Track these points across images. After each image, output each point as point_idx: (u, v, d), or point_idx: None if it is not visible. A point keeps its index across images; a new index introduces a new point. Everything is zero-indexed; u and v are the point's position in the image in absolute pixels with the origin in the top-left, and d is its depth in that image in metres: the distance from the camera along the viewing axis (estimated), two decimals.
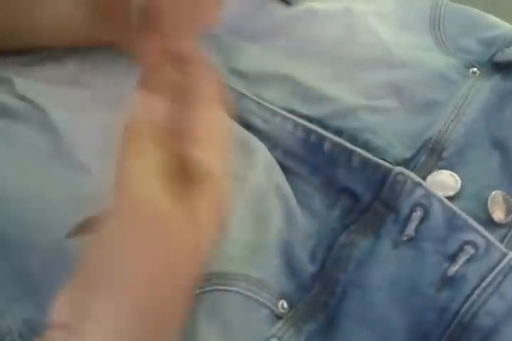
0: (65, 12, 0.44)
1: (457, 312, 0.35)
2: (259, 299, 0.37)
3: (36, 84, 0.46)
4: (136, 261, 0.28)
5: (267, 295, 0.37)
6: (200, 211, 0.29)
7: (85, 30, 0.45)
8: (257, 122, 0.44)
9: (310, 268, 0.39)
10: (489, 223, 0.39)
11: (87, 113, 0.44)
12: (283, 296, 0.37)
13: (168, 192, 0.29)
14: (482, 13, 0.52)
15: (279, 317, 0.37)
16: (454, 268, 0.36)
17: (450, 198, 0.40)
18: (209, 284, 0.37)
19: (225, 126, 0.33)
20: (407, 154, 0.43)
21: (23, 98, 0.45)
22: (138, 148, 0.30)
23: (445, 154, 0.43)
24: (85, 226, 0.33)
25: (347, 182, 0.41)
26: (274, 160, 0.42)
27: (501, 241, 0.39)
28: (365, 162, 0.41)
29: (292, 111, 0.44)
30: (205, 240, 0.30)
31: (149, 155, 0.30)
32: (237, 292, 0.37)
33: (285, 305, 0.37)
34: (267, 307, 0.37)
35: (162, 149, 0.30)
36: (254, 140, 0.43)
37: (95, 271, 0.29)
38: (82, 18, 0.44)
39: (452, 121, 0.44)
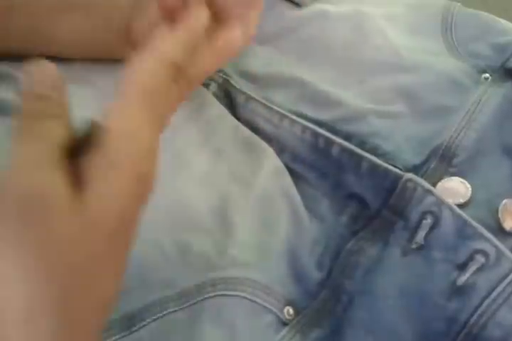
0: (82, 29, 0.44)
1: (466, 322, 0.35)
2: (266, 305, 0.36)
3: None
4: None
5: (274, 301, 0.37)
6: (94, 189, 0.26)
7: (102, 46, 0.45)
8: (265, 126, 0.43)
9: (317, 275, 0.38)
10: (499, 232, 0.38)
11: (91, 112, 0.44)
12: (289, 302, 0.37)
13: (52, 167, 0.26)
14: (495, 18, 0.51)
15: (284, 324, 0.37)
16: (463, 278, 0.35)
17: (460, 206, 0.39)
18: (214, 289, 0.36)
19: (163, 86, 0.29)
20: (417, 160, 0.42)
21: None
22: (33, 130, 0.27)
23: (456, 161, 0.42)
24: None
25: (355, 188, 0.41)
26: (282, 164, 0.42)
27: None
28: (374, 168, 0.40)
29: (301, 115, 0.44)
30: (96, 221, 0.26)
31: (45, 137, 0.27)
32: (243, 297, 0.36)
33: (291, 311, 0.37)
34: (273, 313, 0.36)
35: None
36: (262, 143, 0.42)
37: None
38: (98, 36, 0.44)
39: (463, 127, 0.43)
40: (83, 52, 0.46)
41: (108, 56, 0.46)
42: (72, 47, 0.46)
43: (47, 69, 0.29)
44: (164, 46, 0.29)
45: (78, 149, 0.27)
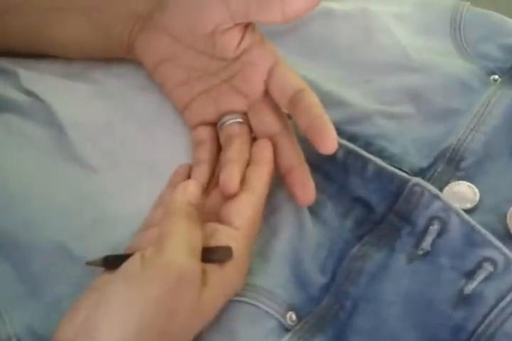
0: (81, 32, 0.44)
1: (473, 332, 0.34)
2: (268, 310, 0.36)
3: (42, 78, 0.45)
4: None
5: (276, 306, 0.36)
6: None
7: (101, 49, 0.45)
8: None
9: (320, 280, 0.38)
10: (508, 238, 0.38)
11: (92, 109, 0.44)
12: (292, 308, 0.36)
13: (197, 256, 0.33)
14: (504, 18, 0.50)
15: (287, 330, 0.36)
16: (471, 286, 0.35)
17: (467, 211, 0.39)
18: None
19: (259, 212, 0.37)
20: (424, 163, 0.41)
21: (27, 92, 0.44)
22: (185, 222, 0.34)
23: (463, 164, 0.42)
24: (109, 263, 0.35)
25: (360, 192, 0.40)
26: None
27: None
28: (380, 171, 0.40)
29: None
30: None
31: (195, 231, 0.34)
32: (245, 302, 0.36)
33: (293, 317, 0.36)
34: (275, 318, 0.36)
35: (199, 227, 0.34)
36: None
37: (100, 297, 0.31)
38: (98, 40, 0.44)
39: (472, 130, 0.43)
40: (82, 54, 0.46)
41: (107, 57, 0.46)
42: (71, 49, 0.45)
43: (193, 183, 0.36)
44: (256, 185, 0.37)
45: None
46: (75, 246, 0.37)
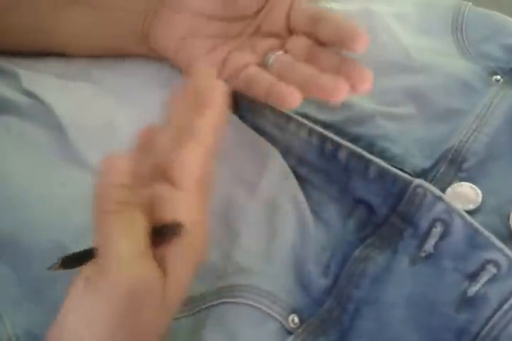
0: (86, 25, 0.44)
1: (477, 334, 0.34)
2: (270, 312, 0.36)
3: (42, 79, 0.45)
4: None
5: (278, 308, 0.36)
6: (171, 264, 0.31)
7: (106, 42, 0.45)
8: (271, 128, 0.42)
9: (322, 282, 0.37)
10: (510, 239, 0.37)
11: (92, 109, 0.44)
12: (294, 310, 0.36)
13: (146, 256, 0.30)
14: (507, 18, 0.50)
15: (289, 333, 0.36)
16: (474, 289, 0.35)
17: (470, 212, 0.38)
18: (219, 297, 0.36)
19: (207, 165, 0.34)
20: (426, 164, 0.41)
21: (28, 93, 0.44)
22: (119, 220, 0.30)
23: (466, 165, 0.41)
24: (70, 263, 0.33)
25: (363, 193, 0.40)
26: (288, 167, 0.41)
27: None
28: (382, 172, 0.39)
29: (307, 116, 0.43)
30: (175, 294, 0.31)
31: (135, 223, 0.30)
32: (247, 304, 0.36)
33: (296, 319, 0.36)
34: (278, 321, 0.36)
35: (137, 211, 0.31)
36: (268, 146, 0.42)
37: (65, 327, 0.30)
38: (102, 31, 0.44)
39: (474, 130, 0.43)
40: (86, 49, 0.46)
41: (112, 52, 0.45)
42: (75, 44, 0.45)
43: (120, 160, 0.31)
44: (203, 136, 0.34)
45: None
46: (75, 248, 0.37)
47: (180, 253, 0.31)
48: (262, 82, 0.40)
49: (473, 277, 0.35)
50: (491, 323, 0.34)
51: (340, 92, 0.37)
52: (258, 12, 0.43)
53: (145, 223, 0.30)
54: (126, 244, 0.29)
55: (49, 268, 0.33)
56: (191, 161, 0.32)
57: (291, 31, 0.43)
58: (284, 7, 0.42)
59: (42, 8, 0.44)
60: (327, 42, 0.40)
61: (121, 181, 0.31)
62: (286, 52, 0.42)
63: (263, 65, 0.42)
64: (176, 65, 0.44)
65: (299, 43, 0.41)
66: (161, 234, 0.31)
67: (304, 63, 0.40)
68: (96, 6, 0.43)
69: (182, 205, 0.32)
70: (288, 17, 0.42)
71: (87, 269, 0.30)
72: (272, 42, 0.43)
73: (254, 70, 0.41)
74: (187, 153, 0.32)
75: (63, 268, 0.32)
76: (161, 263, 0.30)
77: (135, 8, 0.43)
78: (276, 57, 0.42)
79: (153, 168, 0.33)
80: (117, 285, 0.29)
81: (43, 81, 0.45)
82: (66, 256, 0.32)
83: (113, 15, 0.44)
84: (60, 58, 0.47)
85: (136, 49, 0.45)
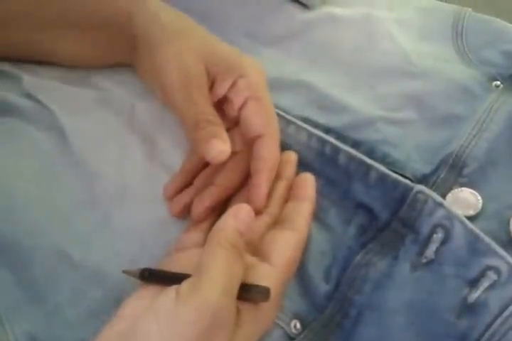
0: (84, 43, 0.45)
1: (477, 340, 0.34)
2: None
3: (45, 83, 0.45)
4: None
5: (281, 314, 0.36)
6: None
7: (104, 58, 0.46)
8: None
9: (324, 287, 0.38)
10: (510, 245, 0.38)
11: (94, 114, 0.44)
12: (296, 316, 0.36)
13: (233, 297, 0.32)
14: (506, 24, 0.50)
15: (291, 338, 0.36)
16: (474, 295, 0.35)
17: (470, 218, 0.39)
18: None
19: (300, 251, 0.37)
20: (427, 169, 0.41)
21: (31, 97, 0.44)
22: (228, 257, 0.32)
23: (466, 171, 0.42)
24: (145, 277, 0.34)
25: (364, 198, 0.40)
26: None
27: None
28: (383, 178, 0.39)
29: (307, 120, 0.43)
30: None
31: (236, 266, 0.32)
32: None
33: (298, 325, 0.36)
34: (280, 327, 0.36)
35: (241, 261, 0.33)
36: None
37: None
38: (100, 49, 0.45)
39: (474, 136, 0.43)
40: (83, 65, 0.46)
41: (111, 64, 0.45)
42: (73, 59, 0.45)
43: (248, 212, 0.34)
44: (300, 226, 0.38)
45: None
46: (76, 252, 0.37)
47: (254, 316, 0.33)
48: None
49: (473, 283, 0.35)
50: (491, 329, 0.34)
51: None
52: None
53: (243, 272, 0.33)
54: (225, 277, 0.31)
55: (125, 272, 0.35)
56: (287, 244, 0.36)
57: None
58: (238, 102, 0.41)
59: (38, 24, 0.44)
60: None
61: (241, 229, 0.33)
62: None
63: None
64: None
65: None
66: (248, 292, 0.32)
67: None
68: (84, 27, 0.44)
69: (266, 276, 0.34)
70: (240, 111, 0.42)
71: (177, 287, 0.31)
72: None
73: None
74: (285, 238, 0.36)
75: (139, 278, 0.34)
76: (237, 314, 0.32)
77: (124, 39, 0.43)
78: None
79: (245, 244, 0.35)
80: (205, 306, 0.30)
81: (46, 86, 0.45)
82: (147, 269, 0.34)
83: (104, 43, 0.44)
84: (59, 65, 0.47)
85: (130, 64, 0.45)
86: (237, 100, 0.41)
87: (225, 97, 0.41)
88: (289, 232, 0.36)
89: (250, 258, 0.35)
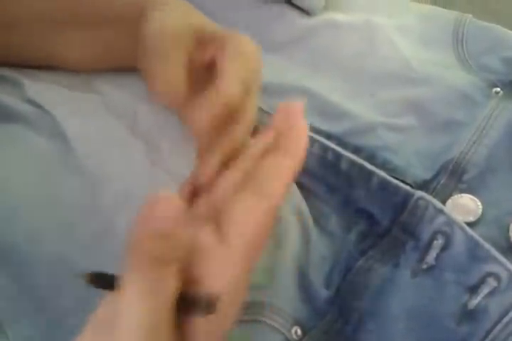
0: (86, 46, 0.44)
1: None
2: (274, 324, 0.36)
3: (47, 89, 0.45)
4: None
5: (282, 320, 0.36)
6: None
7: (106, 63, 0.45)
8: None
9: (325, 293, 0.38)
10: (510, 251, 0.38)
11: (96, 120, 0.44)
12: (297, 322, 0.36)
13: (163, 325, 0.26)
14: (507, 31, 0.51)
15: None
16: (474, 301, 0.35)
17: (470, 224, 0.39)
18: None
19: (267, 225, 0.28)
20: (427, 175, 0.42)
21: (33, 103, 0.44)
22: (148, 283, 0.25)
23: (466, 177, 0.42)
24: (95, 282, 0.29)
25: (364, 204, 0.40)
26: None
27: None
28: (384, 184, 0.40)
29: (309, 126, 0.43)
30: None
31: (156, 286, 0.25)
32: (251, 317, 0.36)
33: (299, 331, 0.36)
34: (281, 333, 0.36)
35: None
36: None
37: None
38: (102, 55, 0.45)
39: (474, 142, 0.43)
40: (86, 68, 0.46)
41: (113, 67, 0.45)
42: (75, 64, 0.45)
43: (171, 202, 0.25)
44: (271, 192, 0.28)
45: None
46: (78, 259, 0.37)
47: (205, 325, 0.26)
48: None
49: (473, 290, 0.35)
50: (491, 336, 0.34)
51: None
52: None
53: (175, 285, 0.26)
54: (143, 311, 0.25)
55: (75, 275, 0.29)
56: (249, 218, 0.27)
57: None
58: None
59: (41, 27, 0.44)
60: None
61: (163, 229, 0.25)
62: None
63: None
64: None
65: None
66: (191, 303, 0.26)
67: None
68: (89, 28, 0.44)
69: (221, 265, 0.26)
70: None
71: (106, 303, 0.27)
72: None
73: None
74: (245, 208, 0.27)
75: (91, 284, 0.28)
76: (182, 330, 0.26)
77: (127, 37, 0.43)
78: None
79: (207, 211, 0.29)
80: None
81: (48, 91, 0.45)
82: (99, 273, 0.29)
83: (106, 42, 0.44)
84: (64, 68, 0.47)
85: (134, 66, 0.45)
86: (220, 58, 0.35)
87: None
88: (255, 200, 0.27)
89: (203, 238, 0.27)
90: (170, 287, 0.25)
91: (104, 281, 0.27)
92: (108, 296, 0.27)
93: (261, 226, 0.27)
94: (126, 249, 0.26)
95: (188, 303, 0.26)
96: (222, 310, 0.26)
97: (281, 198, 0.28)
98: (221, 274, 0.26)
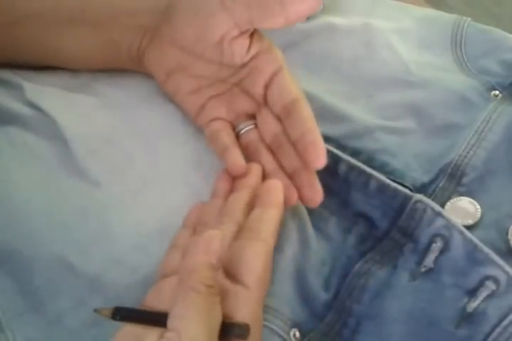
0: (88, 45, 0.44)
1: None
2: (273, 327, 0.36)
3: (46, 91, 0.45)
4: None
5: (280, 323, 0.36)
6: None
7: (108, 62, 0.45)
8: None
9: (323, 296, 0.38)
10: (509, 255, 0.38)
11: (96, 122, 0.44)
12: (295, 324, 0.36)
13: None
14: (506, 34, 0.51)
15: None
16: (473, 304, 0.35)
17: (469, 227, 0.39)
18: None
19: (270, 264, 0.34)
20: (426, 178, 0.42)
21: (32, 105, 0.44)
22: (205, 303, 0.29)
23: (465, 180, 0.42)
24: (118, 316, 0.32)
25: (363, 207, 0.40)
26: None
27: None
28: (382, 187, 0.40)
29: None
30: None
31: (215, 311, 0.30)
32: None
33: (297, 334, 0.36)
34: (280, 336, 0.36)
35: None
36: None
37: None
38: (105, 52, 0.44)
39: (473, 145, 0.43)
40: (89, 66, 0.46)
41: (113, 68, 0.46)
42: (78, 62, 0.45)
43: (216, 238, 0.31)
44: (267, 236, 0.35)
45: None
46: (77, 260, 0.37)
47: None
48: (219, 143, 0.41)
49: (472, 293, 0.35)
50: (489, 339, 0.34)
51: (288, 203, 0.38)
52: (244, 66, 0.41)
53: (221, 313, 0.30)
54: (204, 330, 0.28)
55: (96, 311, 0.32)
56: (256, 259, 0.33)
57: (266, 101, 0.42)
58: (264, 76, 0.41)
59: (43, 25, 0.44)
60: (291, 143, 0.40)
61: (212, 262, 0.30)
62: (256, 126, 0.42)
63: (233, 124, 0.42)
64: (164, 92, 0.44)
65: (268, 126, 0.41)
66: (228, 332, 0.30)
67: (267, 153, 0.41)
68: (95, 25, 0.44)
69: (242, 302, 0.31)
70: (266, 87, 0.41)
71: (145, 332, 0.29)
72: (249, 104, 0.42)
73: (216, 127, 0.41)
74: (253, 253, 0.33)
75: (111, 318, 0.32)
76: None
77: (132, 34, 0.43)
78: (246, 132, 0.42)
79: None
80: None
81: (47, 93, 0.45)
82: (120, 307, 0.32)
83: (112, 35, 0.44)
84: (64, 71, 0.47)
85: (134, 67, 0.45)
86: (266, 68, 0.40)
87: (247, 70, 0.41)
88: (256, 244, 0.34)
89: (223, 281, 0.32)
90: (219, 312, 0.30)
91: (134, 316, 0.31)
92: None
93: (267, 265, 0.33)
94: (179, 278, 0.30)
95: (226, 331, 0.30)
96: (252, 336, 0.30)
97: (274, 240, 0.35)
98: (246, 309, 0.31)
